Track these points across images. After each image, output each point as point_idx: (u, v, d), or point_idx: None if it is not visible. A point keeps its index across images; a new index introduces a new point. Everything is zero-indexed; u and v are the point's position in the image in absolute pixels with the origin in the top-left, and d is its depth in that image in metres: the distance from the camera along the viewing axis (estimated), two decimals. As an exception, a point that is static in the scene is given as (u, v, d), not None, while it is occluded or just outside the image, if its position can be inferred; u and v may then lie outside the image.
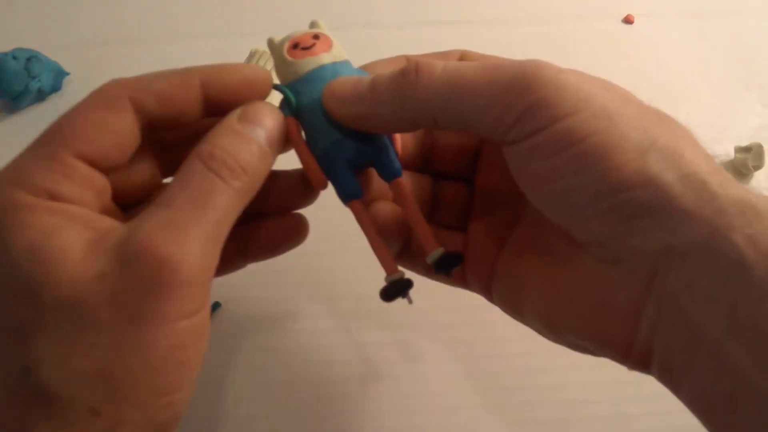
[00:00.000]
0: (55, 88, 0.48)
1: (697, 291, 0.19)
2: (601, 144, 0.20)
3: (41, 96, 0.47)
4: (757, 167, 0.44)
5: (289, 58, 0.28)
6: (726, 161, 0.45)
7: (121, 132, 0.21)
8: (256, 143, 0.22)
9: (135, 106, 0.21)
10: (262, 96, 0.25)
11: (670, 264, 0.20)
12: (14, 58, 0.45)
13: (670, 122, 0.22)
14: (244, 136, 0.22)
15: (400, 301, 0.26)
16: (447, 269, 0.27)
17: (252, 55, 0.49)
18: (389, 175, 0.28)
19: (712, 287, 0.19)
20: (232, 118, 0.22)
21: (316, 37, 0.29)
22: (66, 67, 0.48)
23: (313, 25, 0.31)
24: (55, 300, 0.18)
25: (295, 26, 0.55)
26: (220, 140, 0.21)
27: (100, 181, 0.21)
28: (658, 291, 0.20)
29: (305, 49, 0.28)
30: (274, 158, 0.24)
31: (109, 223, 0.20)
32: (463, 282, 0.28)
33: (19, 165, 0.20)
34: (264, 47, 0.49)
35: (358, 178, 0.28)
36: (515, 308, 0.25)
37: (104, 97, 0.21)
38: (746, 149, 0.45)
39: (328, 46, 0.29)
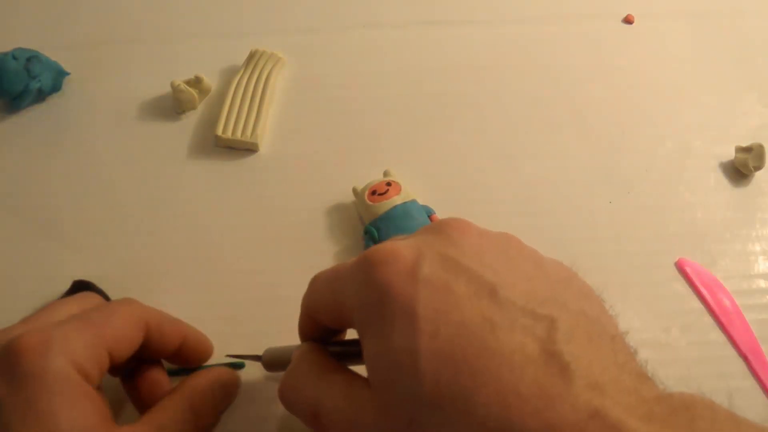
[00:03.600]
0: (55, 88, 0.48)
1: None
2: None
3: (41, 96, 0.47)
4: (758, 167, 0.44)
5: (369, 202, 0.39)
6: (726, 161, 0.46)
7: (136, 343, 0.29)
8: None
9: (145, 331, 0.30)
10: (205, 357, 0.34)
11: None
12: (14, 58, 0.45)
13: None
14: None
15: None
16: None
17: (252, 55, 0.49)
18: None
19: None
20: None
21: (388, 184, 0.40)
22: (66, 67, 0.48)
23: (386, 173, 0.42)
24: None
25: (295, 26, 0.55)
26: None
27: (108, 365, 0.28)
28: None
29: (381, 194, 0.39)
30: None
31: (107, 412, 0.27)
32: None
33: (70, 339, 0.26)
34: (264, 47, 0.49)
35: None
36: None
37: (134, 317, 0.29)
38: (747, 149, 0.45)
39: (399, 190, 0.40)
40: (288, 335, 0.35)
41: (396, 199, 0.39)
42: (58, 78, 0.47)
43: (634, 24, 0.54)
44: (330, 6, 0.54)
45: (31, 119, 0.47)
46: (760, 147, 0.44)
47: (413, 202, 0.40)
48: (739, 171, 0.45)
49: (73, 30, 0.52)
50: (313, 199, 0.43)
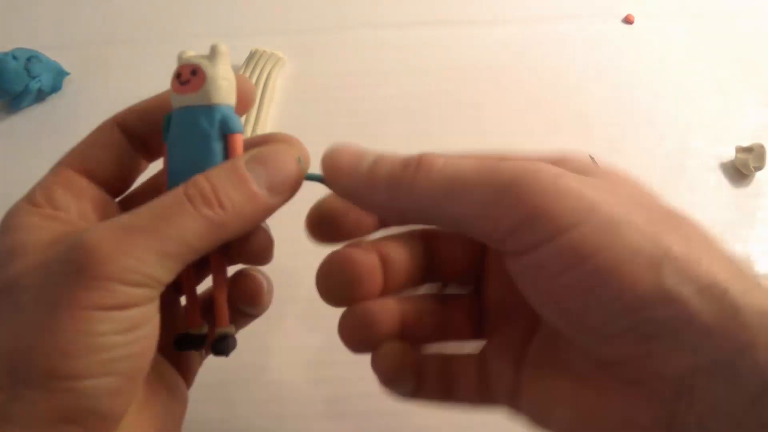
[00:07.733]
0: (55, 88, 0.48)
1: (723, 414, 0.19)
2: (611, 260, 0.19)
3: (41, 96, 0.47)
4: (759, 168, 0.44)
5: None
6: (726, 161, 0.46)
7: (111, 146, 0.25)
8: (250, 184, 0.22)
9: (119, 124, 0.25)
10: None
11: (694, 385, 0.19)
12: (14, 58, 0.45)
13: (682, 224, 0.21)
14: (242, 175, 0.22)
15: None
16: (225, 352, 0.24)
17: (252, 55, 0.49)
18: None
19: (739, 410, 0.18)
20: (244, 157, 0.23)
21: None
22: (66, 67, 0.48)
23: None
24: (2, 283, 0.20)
25: (295, 26, 0.55)
26: (215, 173, 0.22)
27: (99, 194, 0.24)
28: (683, 413, 0.19)
29: None
30: (273, 203, 0.23)
31: (83, 226, 0.22)
32: (488, 397, 0.25)
33: (35, 184, 0.24)
34: (264, 47, 0.49)
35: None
36: (543, 424, 0.24)
37: (99, 127, 0.25)
38: (747, 149, 0.44)
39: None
40: (287, 334, 0.35)
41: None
42: (58, 78, 0.47)
43: (634, 24, 0.54)
44: (330, 6, 0.54)
45: (31, 119, 0.47)
46: (761, 147, 0.44)
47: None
48: (739, 171, 0.45)
49: (73, 30, 0.52)
50: (314, 199, 0.43)
